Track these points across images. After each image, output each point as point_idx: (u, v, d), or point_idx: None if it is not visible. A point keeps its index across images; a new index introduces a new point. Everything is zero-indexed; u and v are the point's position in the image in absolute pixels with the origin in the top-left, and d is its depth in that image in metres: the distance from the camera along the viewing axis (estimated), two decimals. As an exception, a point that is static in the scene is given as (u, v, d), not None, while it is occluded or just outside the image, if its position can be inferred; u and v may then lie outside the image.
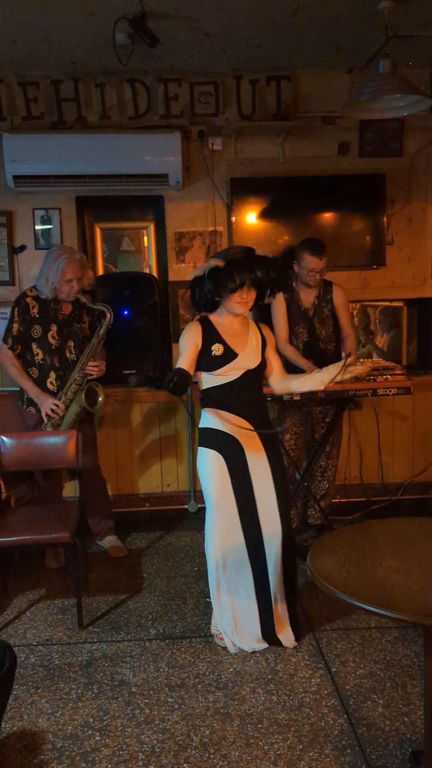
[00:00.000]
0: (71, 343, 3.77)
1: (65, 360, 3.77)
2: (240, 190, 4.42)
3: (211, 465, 2.92)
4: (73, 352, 3.77)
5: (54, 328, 3.75)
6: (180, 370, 2.81)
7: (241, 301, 2.88)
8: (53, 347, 3.74)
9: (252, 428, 2.91)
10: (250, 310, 3.02)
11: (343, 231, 4.52)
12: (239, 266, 2.82)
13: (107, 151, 4.14)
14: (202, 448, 2.97)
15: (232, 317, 2.98)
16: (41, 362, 3.75)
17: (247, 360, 2.94)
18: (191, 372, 2.88)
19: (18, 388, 3.85)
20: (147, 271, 4.68)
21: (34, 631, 3.23)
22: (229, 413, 2.93)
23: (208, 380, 2.97)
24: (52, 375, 3.75)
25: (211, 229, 4.50)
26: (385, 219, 4.49)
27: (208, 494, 2.95)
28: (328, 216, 4.53)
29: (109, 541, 4.11)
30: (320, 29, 3.73)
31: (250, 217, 4.46)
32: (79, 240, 4.46)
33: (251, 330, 3.02)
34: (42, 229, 4.41)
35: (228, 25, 3.64)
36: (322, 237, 4.06)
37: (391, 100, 3.39)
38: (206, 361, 2.93)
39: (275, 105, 4.36)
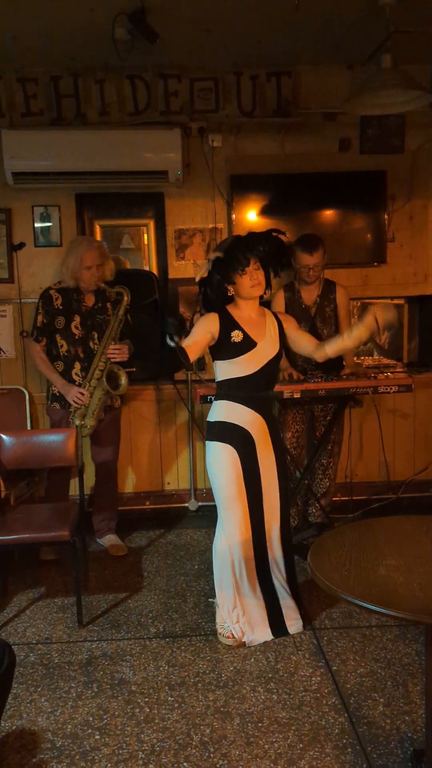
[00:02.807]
0: (95, 334, 3.81)
1: (89, 350, 3.80)
2: (240, 186, 4.40)
3: (225, 460, 2.92)
4: (97, 342, 3.80)
5: (77, 318, 3.78)
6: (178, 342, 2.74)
7: (254, 283, 2.88)
8: (77, 338, 3.78)
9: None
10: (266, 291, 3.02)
11: (344, 228, 4.50)
12: (240, 247, 2.85)
13: (107, 148, 4.11)
14: (213, 442, 2.94)
15: (250, 307, 2.97)
16: (66, 354, 3.79)
17: (265, 351, 2.94)
18: (190, 351, 2.82)
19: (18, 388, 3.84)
20: (147, 268, 4.66)
21: (34, 629, 3.22)
22: (242, 406, 2.92)
23: (226, 371, 2.95)
24: (77, 366, 3.79)
25: (211, 226, 4.48)
26: (386, 216, 4.47)
27: (220, 489, 2.94)
28: (328, 213, 4.51)
29: (109, 539, 4.10)
30: (321, 25, 3.71)
31: (251, 214, 4.44)
32: (78, 237, 4.44)
33: (268, 319, 3.03)
34: (41, 227, 4.39)
35: (228, 21, 3.62)
36: (323, 234, 4.04)
37: (392, 96, 3.37)
38: (225, 349, 2.92)
39: (276, 101, 4.34)
